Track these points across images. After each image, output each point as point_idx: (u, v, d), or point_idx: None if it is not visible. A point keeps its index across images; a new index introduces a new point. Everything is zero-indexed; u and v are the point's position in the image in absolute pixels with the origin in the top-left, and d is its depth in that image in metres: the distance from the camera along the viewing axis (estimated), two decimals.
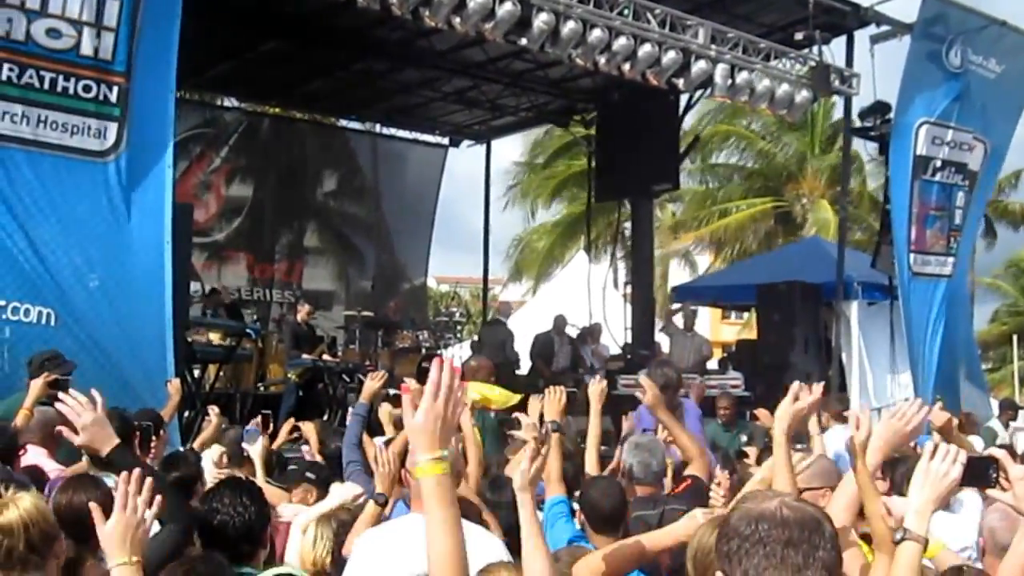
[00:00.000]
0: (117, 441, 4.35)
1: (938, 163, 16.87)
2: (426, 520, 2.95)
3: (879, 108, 16.81)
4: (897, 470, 6.12)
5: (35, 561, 3.65)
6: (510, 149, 67.18)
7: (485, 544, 4.45)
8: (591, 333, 20.51)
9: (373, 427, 8.51)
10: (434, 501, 2.93)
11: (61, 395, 4.36)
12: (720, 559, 2.50)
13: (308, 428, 9.80)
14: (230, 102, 23.24)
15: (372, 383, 8.05)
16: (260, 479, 7.42)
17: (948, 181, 17.13)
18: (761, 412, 10.72)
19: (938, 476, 3.42)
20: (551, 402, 6.42)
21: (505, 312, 23.01)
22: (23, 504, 3.70)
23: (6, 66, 9.77)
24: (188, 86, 17.86)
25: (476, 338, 20.85)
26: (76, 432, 4.26)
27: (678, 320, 18.72)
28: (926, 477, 3.44)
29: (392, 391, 10.21)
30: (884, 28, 16.44)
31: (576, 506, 5.71)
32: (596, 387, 7.41)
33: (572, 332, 19.92)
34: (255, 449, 8.05)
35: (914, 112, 16.46)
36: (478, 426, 9.14)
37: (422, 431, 2.93)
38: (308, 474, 7.56)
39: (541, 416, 6.93)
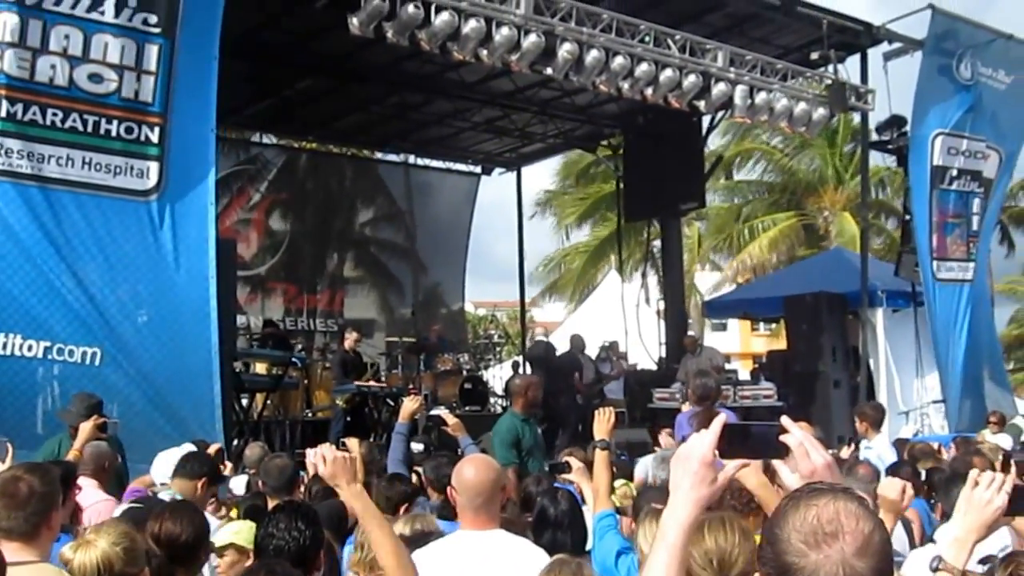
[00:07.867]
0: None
1: (954, 172, 17.37)
2: None
3: (895, 122, 17.27)
4: (951, 491, 5.81)
5: None
6: (539, 175, 67.68)
7: (530, 555, 4.79)
8: (610, 349, 20.98)
9: None
10: None
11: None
12: None
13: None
14: (268, 139, 23.74)
15: (411, 404, 8.55)
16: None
17: (964, 189, 17.60)
18: (802, 425, 11.04)
19: (981, 504, 3.24)
20: (600, 421, 6.56)
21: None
22: (100, 545, 4.04)
23: (50, 111, 10.11)
24: (228, 125, 18.21)
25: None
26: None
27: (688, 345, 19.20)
28: (969, 505, 3.26)
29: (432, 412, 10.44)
30: (896, 45, 16.85)
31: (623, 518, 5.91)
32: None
33: (592, 352, 20.31)
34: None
35: (929, 124, 16.94)
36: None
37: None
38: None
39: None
